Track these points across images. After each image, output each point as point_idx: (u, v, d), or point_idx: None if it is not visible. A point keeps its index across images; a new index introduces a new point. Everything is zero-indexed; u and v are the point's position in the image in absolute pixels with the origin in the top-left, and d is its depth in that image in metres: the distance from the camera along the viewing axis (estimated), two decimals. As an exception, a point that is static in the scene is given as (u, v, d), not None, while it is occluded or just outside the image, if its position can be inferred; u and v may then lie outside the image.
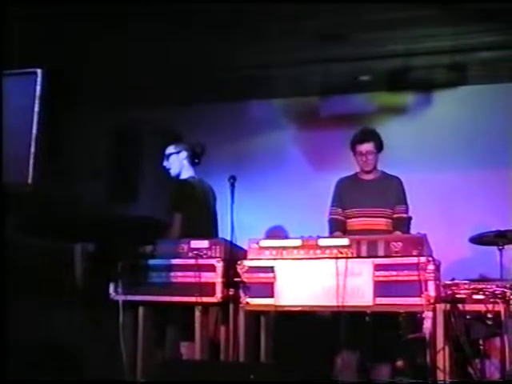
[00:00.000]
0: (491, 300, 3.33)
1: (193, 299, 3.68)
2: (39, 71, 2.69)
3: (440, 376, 3.33)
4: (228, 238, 3.74)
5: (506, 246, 4.61)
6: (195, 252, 3.74)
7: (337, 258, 3.52)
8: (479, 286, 3.41)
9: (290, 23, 4.90)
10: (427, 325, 3.36)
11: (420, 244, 3.44)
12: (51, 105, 2.68)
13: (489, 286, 3.38)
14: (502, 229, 4.55)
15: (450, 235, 5.22)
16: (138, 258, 3.86)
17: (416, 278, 3.35)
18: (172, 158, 4.57)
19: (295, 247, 3.66)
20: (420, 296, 3.33)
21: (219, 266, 3.68)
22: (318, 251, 3.60)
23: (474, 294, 3.39)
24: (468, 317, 3.41)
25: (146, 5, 4.46)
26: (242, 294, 3.65)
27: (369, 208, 4.28)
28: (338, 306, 3.44)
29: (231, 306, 3.70)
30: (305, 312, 3.73)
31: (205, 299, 3.66)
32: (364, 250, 3.52)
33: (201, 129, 5.75)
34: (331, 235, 4.21)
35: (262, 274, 3.66)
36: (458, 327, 3.33)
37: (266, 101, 6.36)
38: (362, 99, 6.16)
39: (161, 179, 4.69)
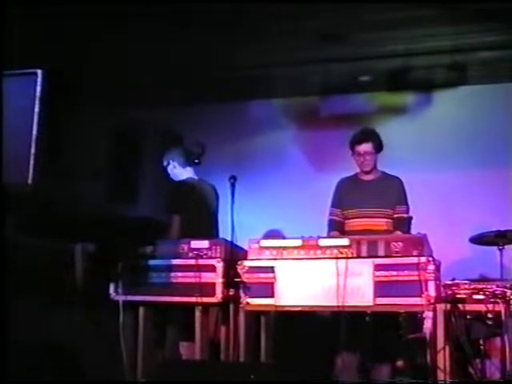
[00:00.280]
0: (491, 300, 3.33)
1: (193, 299, 3.68)
2: (39, 72, 2.69)
3: (440, 376, 3.33)
4: (228, 238, 3.74)
5: (506, 246, 4.61)
6: (195, 252, 3.74)
7: (337, 258, 3.52)
8: (479, 286, 3.41)
9: (290, 23, 4.90)
10: (427, 325, 3.36)
11: (420, 244, 3.43)
12: (51, 105, 2.68)
13: (489, 286, 3.38)
14: (502, 229, 4.55)
15: (450, 235, 5.22)
16: (139, 258, 3.86)
17: (416, 278, 3.34)
18: (168, 168, 4.60)
19: (295, 247, 3.65)
20: (420, 296, 3.32)
21: (219, 266, 3.68)
22: (319, 251, 3.60)
23: (474, 293, 3.39)
24: (468, 317, 3.41)
25: (146, 5, 4.46)
26: (242, 294, 3.65)
27: (369, 208, 4.26)
28: (338, 306, 3.44)
29: (231, 306, 3.70)
30: (305, 312, 3.72)
31: (205, 299, 3.66)
32: (364, 250, 3.52)
33: (201, 129, 5.75)
34: (329, 235, 4.20)
35: (262, 274, 3.66)
36: (459, 327, 3.33)
37: (266, 101, 6.35)
38: (362, 99, 6.15)
39: (161, 179, 4.70)
